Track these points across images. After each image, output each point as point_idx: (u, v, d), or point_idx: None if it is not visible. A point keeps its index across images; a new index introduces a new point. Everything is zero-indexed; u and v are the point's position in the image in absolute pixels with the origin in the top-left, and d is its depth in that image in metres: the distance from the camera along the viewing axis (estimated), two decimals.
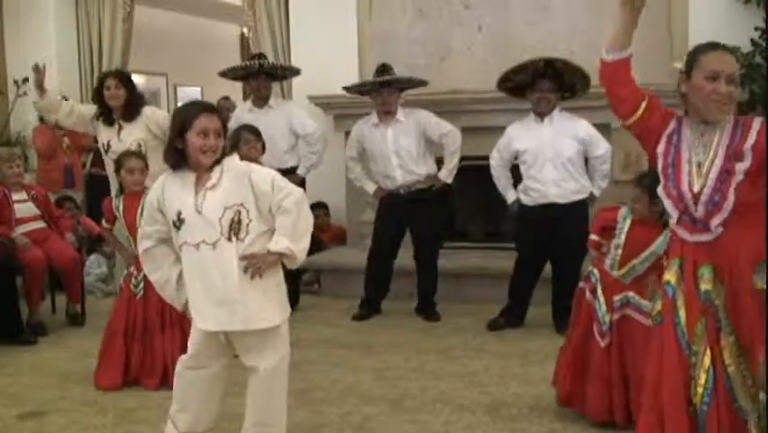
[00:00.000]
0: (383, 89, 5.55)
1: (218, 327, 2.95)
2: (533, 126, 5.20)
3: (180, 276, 3.04)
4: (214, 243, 2.89)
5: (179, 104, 4.34)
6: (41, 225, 5.55)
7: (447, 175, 5.62)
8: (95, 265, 6.20)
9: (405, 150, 5.57)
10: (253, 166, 3.04)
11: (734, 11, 5.81)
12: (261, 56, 6.23)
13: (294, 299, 5.73)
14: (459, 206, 6.69)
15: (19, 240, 5.33)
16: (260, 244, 2.93)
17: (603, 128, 5.31)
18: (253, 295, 2.92)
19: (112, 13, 8.01)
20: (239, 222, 2.90)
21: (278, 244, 2.91)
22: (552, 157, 5.11)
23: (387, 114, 5.60)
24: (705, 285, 2.63)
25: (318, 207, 7.10)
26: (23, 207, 5.50)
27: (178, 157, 2.94)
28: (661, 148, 2.71)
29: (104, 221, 4.60)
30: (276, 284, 3.01)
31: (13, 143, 7.31)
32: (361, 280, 5.83)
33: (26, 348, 5.02)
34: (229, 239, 2.89)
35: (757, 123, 2.61)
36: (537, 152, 5.14)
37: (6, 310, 5.11)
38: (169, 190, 2.97)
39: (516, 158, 5.30)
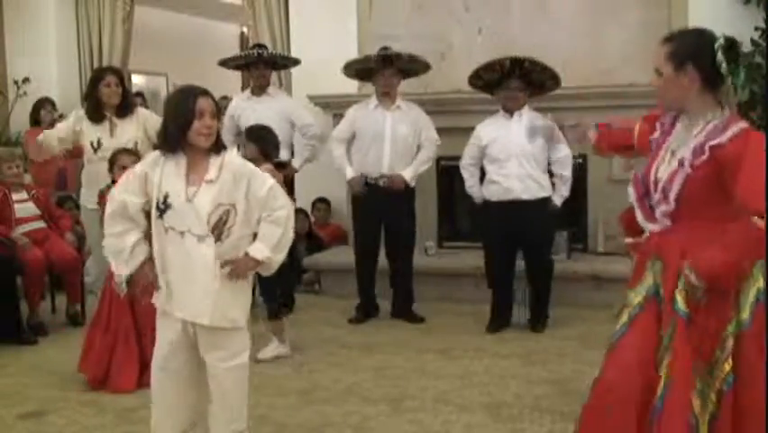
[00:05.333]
0: (385, 69, 5.46)
1: (192, 318, 2.92)
2: (501, 122, 5.26)
3: (133, 249, 2.96)
4: (200, 236, 2.86)
5: None
6: (41, 225, 5.55)
7: (412, 177, 5.53)
8: (95, 265, 6.18)
9: (402, 138, 5.51)
10: (255, 171, 2.99)
11: (734, 11, 5.80)
12: (261, 46, 6.28)
13: (291, 303, 5.72)
14: (459, 206, 6.68)
15: (19, 240, 5.33)
16: (237, 246, 2.92)
17: None
18: (224, 294, 2.91)
19: (112, 13, 8.00)
20: (225, 223, 2.88)
21: (261, 252, 2.92)
22: (517, 153, 5.14)
23: (386, 96, 5.50)
24: (650, 278, 2.60)
25: (319, 202, 7.11)
26: (23, 207, 5.50)
27: (176, 141, 2.88)
28: (654, 135, 2.71)
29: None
30: (245, 288, 3.02)
31: (14, 143, 7.30)
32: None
33: (26, 348, 5.02)
34: (211, 236, 2.87)
35: (735, 127, 2.47)
36: (504, 146, 5.17)
37: (6, 310, 5.11)
38: (161, 170, 2.91)
39: (484, 155, 5.32)
